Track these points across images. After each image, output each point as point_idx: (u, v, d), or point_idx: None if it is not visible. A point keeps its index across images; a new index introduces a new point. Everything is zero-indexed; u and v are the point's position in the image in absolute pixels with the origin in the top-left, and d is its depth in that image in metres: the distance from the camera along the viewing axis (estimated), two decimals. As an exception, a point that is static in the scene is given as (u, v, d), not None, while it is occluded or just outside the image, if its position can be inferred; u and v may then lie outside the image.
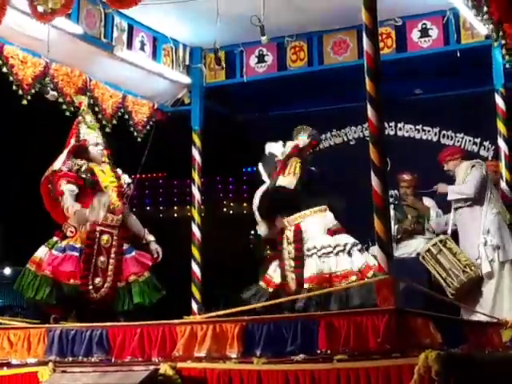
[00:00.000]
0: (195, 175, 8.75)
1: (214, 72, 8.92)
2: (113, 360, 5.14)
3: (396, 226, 7.84)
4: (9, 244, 12.71)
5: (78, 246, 6.24)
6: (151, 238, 6.73)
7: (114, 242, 6.38)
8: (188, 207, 10.91)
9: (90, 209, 6.23)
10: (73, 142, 6.56)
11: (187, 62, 8.79)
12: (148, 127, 8.64)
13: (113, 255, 6.36)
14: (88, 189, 6.38)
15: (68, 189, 6.32)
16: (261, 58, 8.73)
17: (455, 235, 7.42)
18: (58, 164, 6.42)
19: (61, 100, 7.29)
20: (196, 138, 8.83)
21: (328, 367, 4.48)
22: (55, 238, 6.36)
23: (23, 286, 6.21)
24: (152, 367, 4.88)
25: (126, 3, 5.91)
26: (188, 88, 8.96)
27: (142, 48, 8.22)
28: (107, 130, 7.85)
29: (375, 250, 4.92)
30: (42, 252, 6.31)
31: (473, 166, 7.41)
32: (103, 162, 6.62)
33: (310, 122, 9.74)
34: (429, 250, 7.23)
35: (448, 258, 7.12)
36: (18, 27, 6.72)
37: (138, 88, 8.51)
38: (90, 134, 6.65)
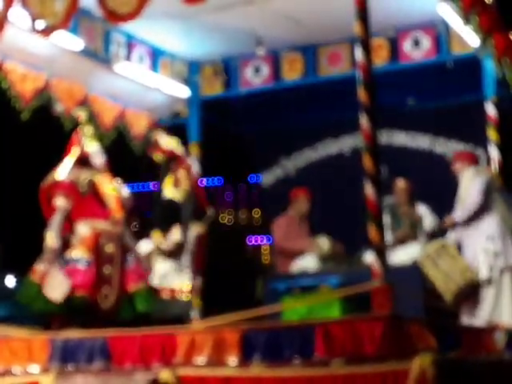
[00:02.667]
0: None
1: (211, 85, 9.00)
2: (114, 368, 5.16)
3: (390, 234, 7.87)
4: (11, 254, 12.74)
5: (84, 256, 6.26)
6: (141, 255, 6.76)
7: (117, 252, 6.44)
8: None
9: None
10: (76, 151, 6.61)
11: (185, 76, 8.89)
12: (145, 140, 8.71)
13: (117, 264, 6.40)
14: (90, 197, 6.41)
15: (60, 204, 6.34)
16: (257, 71, 8.82)
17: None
18: (62, 173, 6.46)
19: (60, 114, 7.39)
20: (193, 150, 8.91)
21: (325, 372, 4.52)
22: None
23: (29, 299, 6.19)
24: (152, 375, 4.91)
25: (124, 18, 5.97)
26: (185, 101, 9.04)
27: (140, 62, 8.30)
28: (105, 143, 7.94)
29: (370, 257, 4.98)
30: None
31: (476, 172, 7.38)
32: (104, 172, 6.68)
33: (306, 131, 9.93)
34: (428, 255, 7.20)
35: (447, 263, 7.08)
36: (18, 43, 6.80)
37: (137, 101, 8.58)
38: (91, 144, 6.69)
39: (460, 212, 7.30)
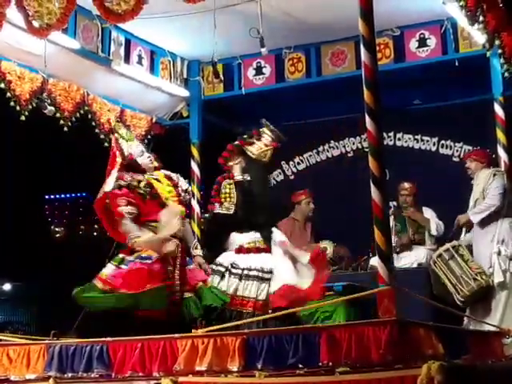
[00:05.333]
0: (194, 188, 8.73)
1: (212, 85, 8.93)
2: (113, 375, 5.08)
3: (396, 238, 7.81)
4: (8, 260, 12.72)
5: (151, 255, 6.03)
6: (198, 252, 6.46)
7: (178, 254, 6.22)
8: (188, 220, 10.87)
9: (160, 227, 6.05)
10: (119, 160, 6.36)
11: (185, 76, 8.82)
12: (146, 141, 8.65)
13: (178, 265, 6.17)
14: (150, 201, 6.25)
15: (127, 211, 6.11)
16: (259, 70, 8.75)
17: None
18: (109, 185, 6.20)
19: (58, 115, 7.32)
20: (195, 151, 8.84)
21: (330, 379, 4.44)
22: (121, 255, 6.15)
23: (92, 303, 5.93)
24: (153, 382, 4.85)
25: (123, 17, 5.89)
26: (186, 101, 8.97)
27: (139, 62, 8.24)
28: (105, 144, 7.88)
29: (375, 261, 4.90)
30: (109, 269, 6.07)
31: (494, 174, 7.32)
32: (155, 169, 6.45)
33: (308, 133, 9.83)
34: (440, 255, 7.15)
35: (460, 264, 7.04)
36: (15, 43, 6.74)
37: (136, 102, 8.52)
38: (131, 146, 6.45)
39: (477, 210, 7.23)
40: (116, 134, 6.52)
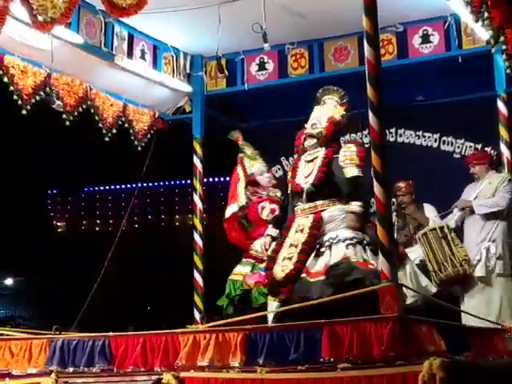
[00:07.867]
0: (197, 183, 8.74)
1: (215, 80, 8.92)
2: (115, 370, 5.11)
3: (397, 235, 7.79)
4: (10, 254, 12.72)
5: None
6: None
7: None
8: (190, 215, 10.90)
9: None
10: (243, 178, 7.00)
11: (188, 71, 8.81)
12: (149, 136, 8.65)
13: None
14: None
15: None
16: (262, 66, 8.74)
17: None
18: (242, 200, 6.87)
19: (61, 109, 7.33)
20: (197, 146, 8.83)
21: (331, 375, 4.45)
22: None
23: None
24: (155, 377, 4.87)
25: (127, 12, 5.89)
26: (189, 96, 8.97)
27: (142, 57, 8.23)
28: (106, 138, 7.89)
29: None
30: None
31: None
32: (272, 187, 7.05)
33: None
34: (425, 234, 7.25)
35: (450, 245, 7.12)
36: (18, 37, 6.74)
37: (139, 97, 8.51)
38: (254, 166, 7.09)
39: (484, 203, 7.27)
40: (241, 154, 7.24)
